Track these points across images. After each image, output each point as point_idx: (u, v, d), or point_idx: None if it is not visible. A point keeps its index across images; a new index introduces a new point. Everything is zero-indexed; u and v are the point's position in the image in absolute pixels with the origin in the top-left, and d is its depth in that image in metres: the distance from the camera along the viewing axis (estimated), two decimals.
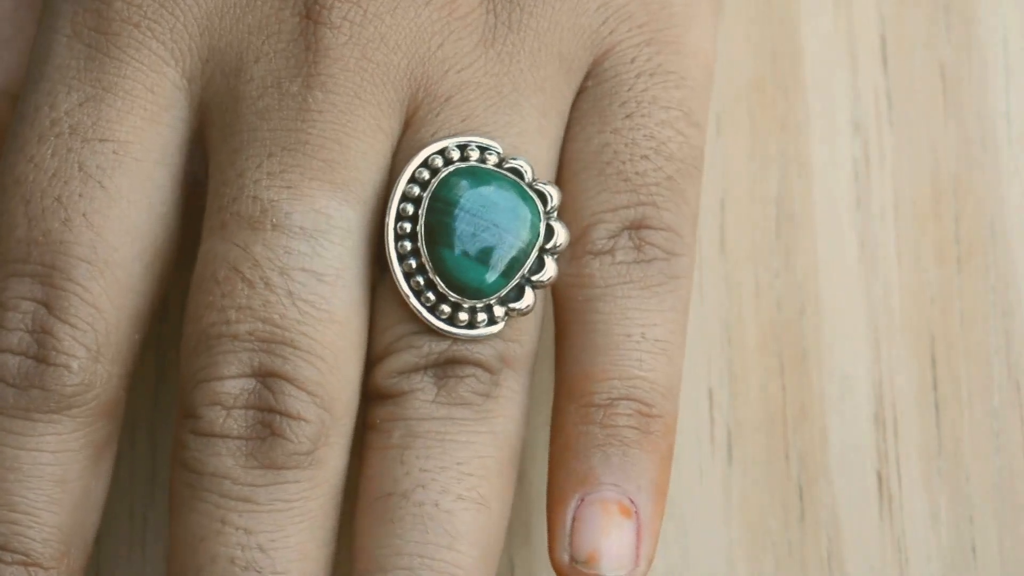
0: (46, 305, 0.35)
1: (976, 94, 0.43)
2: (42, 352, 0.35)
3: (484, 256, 0.36)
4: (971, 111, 0.43)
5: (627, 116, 0.37)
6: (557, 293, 0.37)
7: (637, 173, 0.37)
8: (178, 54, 0.36)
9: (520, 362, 0.37)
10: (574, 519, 0.36)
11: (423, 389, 0.36)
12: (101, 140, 0.35)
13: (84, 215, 0.35)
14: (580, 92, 0.38)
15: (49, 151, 0.35)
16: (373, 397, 0.36)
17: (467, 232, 0.35)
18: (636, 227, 0.37)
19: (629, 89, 0.38)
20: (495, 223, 0.36)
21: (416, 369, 0.36)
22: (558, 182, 0.38)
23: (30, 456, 0.35)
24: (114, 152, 0.36)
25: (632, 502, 0.36)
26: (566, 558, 0.36)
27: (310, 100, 0.35)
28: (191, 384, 0.35)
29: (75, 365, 0.35)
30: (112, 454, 0.37)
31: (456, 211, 0.35)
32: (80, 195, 0.35)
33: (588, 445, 0.36)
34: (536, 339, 0.37)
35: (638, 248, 0.37)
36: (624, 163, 0.37)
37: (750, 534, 0.40)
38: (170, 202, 0.36)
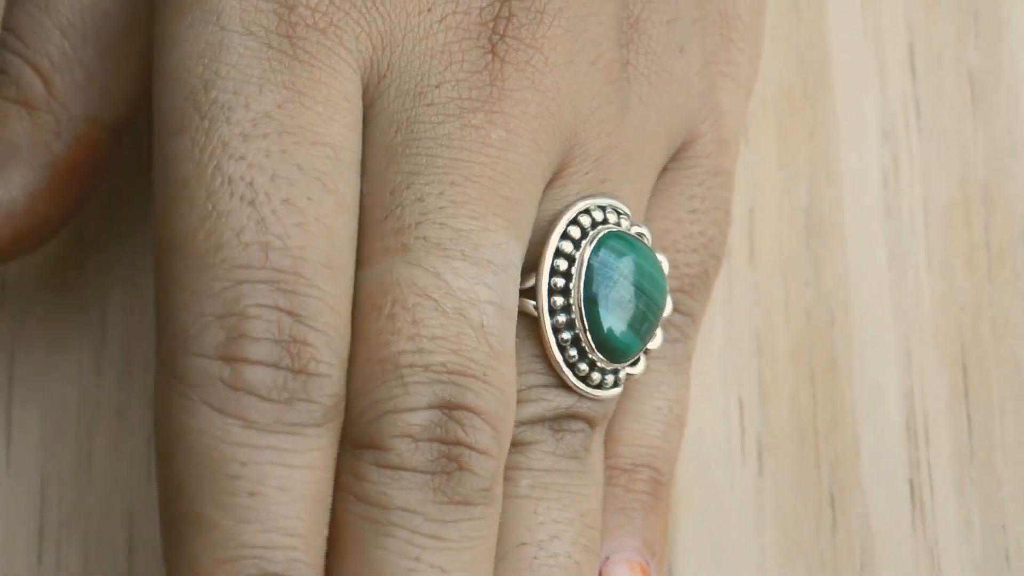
0: (292, 314, 0.33)
1: (1005, 101, 0.42)
2: (299, 363, 0.33)
3: (635, 323, 0.36)
4: (1000, 118, 0.42)
5: (692, 211, 0.39)
6: None
7: (685, 264, 0.39)
8: (362, 63, 0.35)
9: (608, 418, 0.38)
10: (600, 574, 0.38)
11: (545, 441, 0.36)
12: (313, 143, 0.34)
13: (316, 219, 0.33)
14: (662, 172, 0.39)
15: (261, 151, 0.33)
16: None
17: (624, 298, 0.36)
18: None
19: (699, 184, 0.39)
20: (647, 293, 0.36)
21: (539, 421, 0.36)
22: None
23: (300, 474, 0.33)
24: (328, 156, 0.34)
25: (647, 563, 0.38)
26: None
27: (493, 136, 0.35)
28: (373, 413, 0.34)
29: (335, 374, 0.33)
30: None
31: (616, 276, 0.36)
32: (309, 197, 0.33)
33: (613, 505, 0.38)
34: None
35: (663, 328, 0.39)
36: (678, 253, 0.39)
37: (782, 544, 0.40)
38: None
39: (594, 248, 0.36)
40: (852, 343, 0.41)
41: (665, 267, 0.37)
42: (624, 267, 0.36)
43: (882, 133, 0.42)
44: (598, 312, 0.36)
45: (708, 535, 0.40)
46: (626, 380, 0.37)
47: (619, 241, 0.36)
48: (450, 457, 0.33)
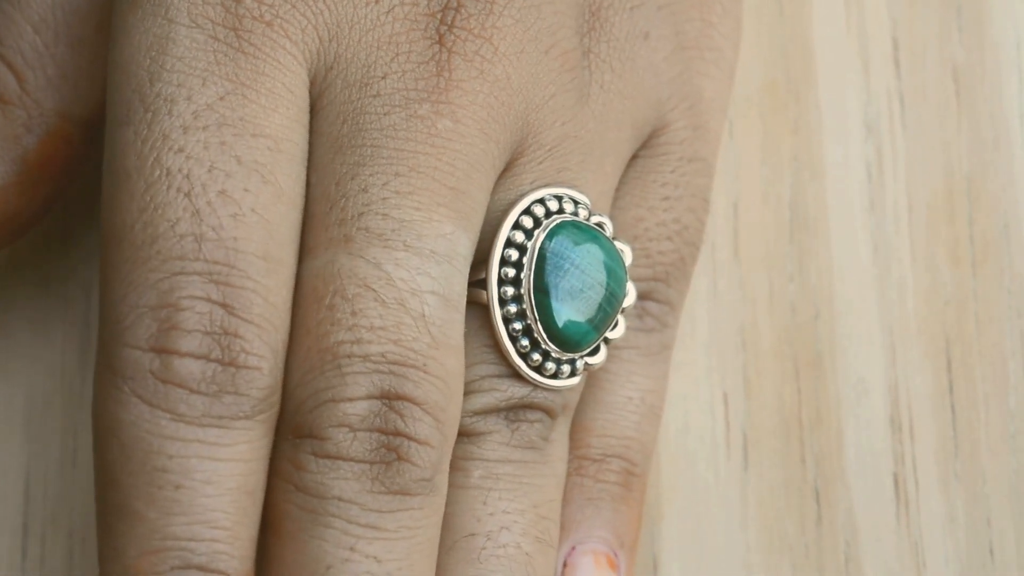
0: (224, 306, 0.33)
1: (989, 95, 0.42)
2: (229, 355, 0.33)
3: (588, 311, 0.36)
4: (984, 112, 0.42)
5: (664, 198, 0.39)
6: None
7: (659, 252, 0.39)
8: (308, 56, 0.35)
9: (571, 408, 0.37)
10: (564, 564, 0.37)
11: (499, 431, 0.36)
12: (253, 135, 0.34)
13: (253, 210, 0.33)
14: (633, 157, 0.39)
15: (200, 143, 0.33)
16: None
17: (576, 287, 0.36)
18: (642, 298, 0.39)
19: (672, 171, 0.39)
20: (600, 282, 0.36)
21: (493, 411, 0.36)
22: None
23: (227, 467, 0.33)
24: (268, 148, 0.34)
25: (616, 555, 0.38)
26: None
27: (439, 126, 0.35)
28: (312, 403, 0.34)
29: (266, 367, 0.33)
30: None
31: (567, 265, 0.36)
32: (246, 189, 0.34)
33: (580, 496, 0.38)
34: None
35: (640, 317, 0.39)
36: (651, 241, 0.39)
37: (767, 538, 0.40)
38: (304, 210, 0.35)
39: (547, 237, 0.36)
40: (836, 337, 0.41)
41: (627, 257, 0.37)
42: (577, 257, 0.36)
43: (866, 127, 0.42)
44: (549, 302, 0.36)
45: (693, 529, 0.40)
46: (587, 370, 0.37)
47: (573, 230, 0.36)
48: (389, 447, 0.33)
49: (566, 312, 0.36)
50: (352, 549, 0.33)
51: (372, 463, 0.33)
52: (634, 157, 0.39)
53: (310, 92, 0.35)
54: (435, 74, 0.35)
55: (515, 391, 0.36)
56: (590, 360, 0.37)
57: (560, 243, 0.36)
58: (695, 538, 0.40)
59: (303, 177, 0.35)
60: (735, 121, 0.42)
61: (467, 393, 0.36)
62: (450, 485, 0.36)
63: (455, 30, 0.35)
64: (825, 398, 0.41)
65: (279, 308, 0.34)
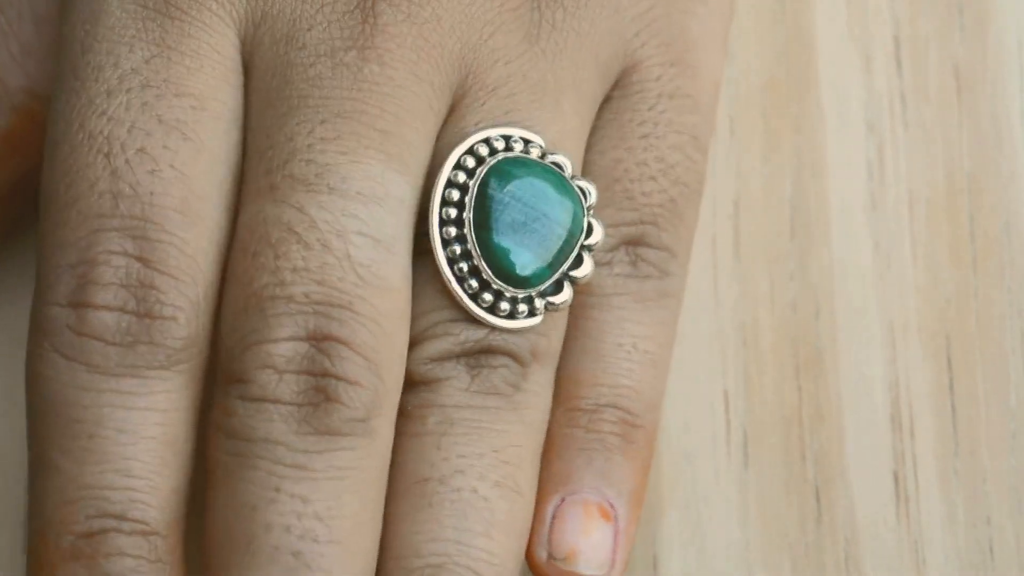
0: (141, 260, 0.34)
1: (991, 94, 0.43)
2: (144, 306, 0.34)
3: (533, 245, 0.35)
4: (986, 111, 0.42)
5: (643, 136, 0.38)
6: None
7: (643, 193, 0.38)
8: (236, 16, 0.35)
9: (548, 357, 0.36)
10: (554, 517, 0.36)
11: (457, 377, 0.35)
12: (176, 95, 0.34)
13: (171, 166, 0.34)
14: (606, 100, 0.38)
15: (122, 105, 0.34)
16: (405, 383, 0.36)
17: (518, 220, 0.35)
18: (634, 243, 0.38)
19: (650, 109, 0.38)
20: (544, 213, 0.36)
21: (450, 357, 0.35)
22: None
23: (141, 416, 0.33)
24: (192, 107, 0.35)
25: (612, 506, 0.36)
26: (544, 555, 0.36)
27: (366, 71, 0.35)
28: (240, 348, 0.34)
29: (182, 317, 0.34)
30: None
31: (508, 199, 0.35)
32: (165, 146, 0.34)
33: (572, 447, 0.37)
34: (563, 336, 0.37)
35: (633, 264, 0.37)
36: (633, 182, 0.38)
37: (766, 536, 0.40)
38: (239, 166, 0.36)
39: (487, 174, 0.35)
40: (837, 335, 0.41)
41: (592, 196, 0.36)
42: (519, 190, 0.35)
43: (867, 126, 0.42)
44: (491, 237, 0.35)
45: (693, 527, 0.40)
46: (549, 310, 0.36)
47: (516, 166, 0.35)
48: (317, 388, 0.33)
49: (511, 246, 0.35)
50: (277, 489, 0.33)
51: (300, 405, 0.33)
52: (608, 99, 0.38)
53: (242, 52, 0.35)
54: (360, 21, 0.35)
55: (469, 334, 0.35)
56: (552, 299, 0.36)
57: (501, 178, 0.35)
58: (695, 536, 0.40)
59: (233, 134, 0.35)
60: (736, 119, 0.42)
61: (422, 340, 0.35)
62: (405, 433, 0.35)
63: None
64: (826, 396, 0.41)
65: (199, 261, 0.34)
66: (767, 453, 0.40)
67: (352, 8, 0.35)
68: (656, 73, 0.38)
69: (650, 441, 0.37)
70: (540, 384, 0.36)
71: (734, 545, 0.40)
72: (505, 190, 0.35)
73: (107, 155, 0.34)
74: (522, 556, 0.36)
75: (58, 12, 0.38)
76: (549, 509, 0.36)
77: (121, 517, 0.33)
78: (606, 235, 0.37)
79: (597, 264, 0.37)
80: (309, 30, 0.35)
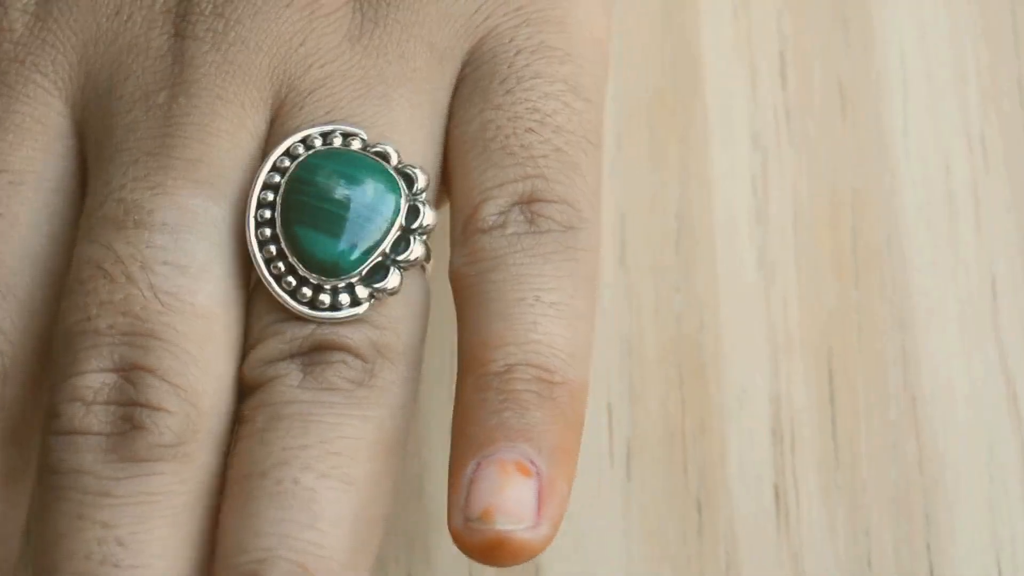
0: None
1: (875, 109, 0.43)
2: None
3: (337, 231, 0.35)
4: (870, 126, 0.43)
5: (508, 92, 0.37)
6: (453, 278, 0.37)
7: (522, 146, 0.36)
8: (60, 84, 0.37)
9: (397, 353, 0.35)
10: (470, 482, 0.34)
11: (288, 375, 0.35)
12: None
13: None
14: (461, 80, 0.37)
15: None
16: (244, 391, 0.35)
17: (320, 208, 0.35)
18: (528, 201, 0.36)
19: (509, 66, 0.37)
20: (349, 198, 0.35)
21: (282, 357, 0.35)
22: (448, 169, 0.37)
23: None
24: (9, 182, 0.36)
25: (532, 463, 0.34)
26: (460, 521, 0.34)
27: (174, 107, 0.36)
28: (52, 384, 0.35)
29: None
30: (27, 485, 0.36)
31: (309, 189, 0.35)
32: None
33: (485, 411, 0.35)
34: (417, 334, 0.36)
35: (530, 221, 0.36)
36: (508, 137, 0.36)
37: (649, 548, 0.40)
38: (73, 231, 0.37)
39: (294, 170, 0.35)
40: (721, 348, 0.41)
41: (420, 179, 0.36)
42: (320, 178, 0.35)
43: (752, 139, 0.43)
44: (294, 229, 0.35)
45: (576, 539, 0.40)
46: (376, 297, 0.35)
47: (323, 158, 0.35)
48: (125, 418, 0.34)
49: (312, 234, 0.35)
50: (80, 517, 0.33)
51: (108, 435, 0.34)
52: (463, 77, 0.37)
53: (72, 116, 0.37)
54: (171, 63, 0.36)
55: (296, 332, 0.35)
56: (379, 285, 0.35)
57: (306, 171, 0.35)
58: (577, 547, 0.40)
59: (55, 201, 0.36)
60: (623, 129, 0.42)
61: (255, 344, 0.35)
62: (237, 437, 0.35)
63: (189, 18, 0.37)
64: (708, 408, 0.41)
65: (4, 331, 0.35)
66: (650, 465, 0.41)
67: (165, 52, 0.37)
68: (508, 36, 0.37)
69: (575, 396, 0.35)
70: (390, 382, 0.35)
71: (616, 556, 0.40)
72: (308, 181, 0.35)
73: None
74: (364, 550, 0.35)
75: None
76: (466, 477, 0.34)
77: None
78: (496, 204, 0.36)
79: (488, 230, 0.36)
80: (125, 80, 0.37)
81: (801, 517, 0.40)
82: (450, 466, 0.35)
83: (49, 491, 0.34)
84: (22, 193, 0.36)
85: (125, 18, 0.37)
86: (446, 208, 0.38)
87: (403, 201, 0.36)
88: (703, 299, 0.42)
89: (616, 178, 0.42)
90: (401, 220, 0.36)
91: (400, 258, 0.36)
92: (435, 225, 0.36)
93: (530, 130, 0.36)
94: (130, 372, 0.34)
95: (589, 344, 0.36)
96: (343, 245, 0.35)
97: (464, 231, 0.36)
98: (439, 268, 0.37)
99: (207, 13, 0.37)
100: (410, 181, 0.36)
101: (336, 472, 0.34)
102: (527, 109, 0.37)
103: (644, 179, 0.42)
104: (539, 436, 0.34)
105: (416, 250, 0.36)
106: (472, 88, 0.37)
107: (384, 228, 0.36)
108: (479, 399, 0.35)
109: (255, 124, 0.36)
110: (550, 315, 0.35)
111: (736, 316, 0.41)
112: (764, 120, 0.43)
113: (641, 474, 0.40)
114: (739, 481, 0.40)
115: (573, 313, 0.36)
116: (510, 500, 0.34)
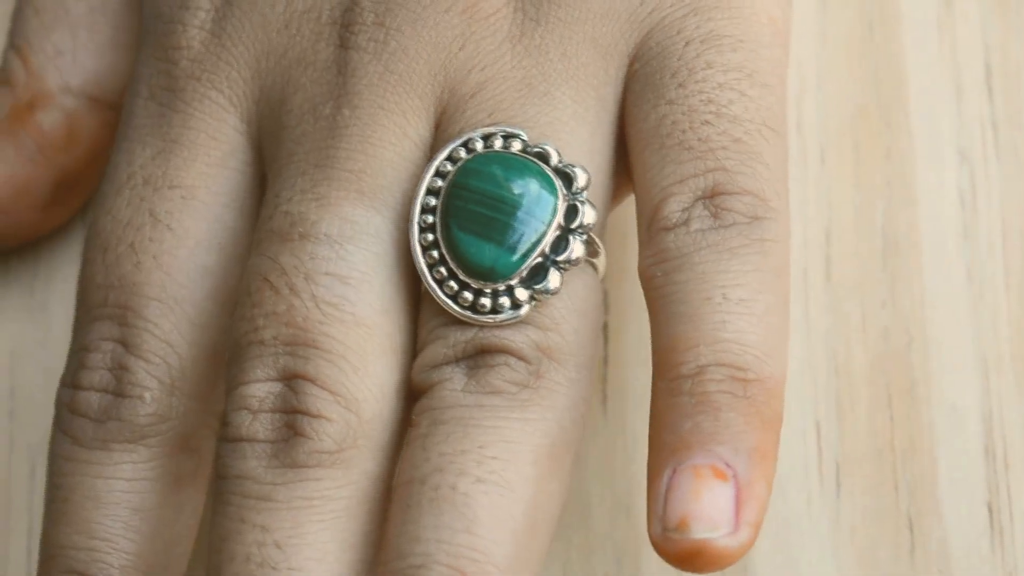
0: (123, 343, 0.37)
1: None
2: (119, 387, 0.37)
3: (493, 234, 0.35)
4: None
5: (680, 85, 0.36)
6: (642, 279, 0.36)
7: (700, 140, 0.36)
8: (236, 100, 0.38)
9: (564, 354, 0.35)
10: (667, 491, 0.34)
11: (452, 379, 0.35)
12: (170, 187, 0.37)
13: (154, 257, 0.37)
14: (631, 76, 0.37)
15: (124, 202, 0.38)
16: (414, 396, 0.36)
17: (477, 213, 0.35)
18: (711, 195, 0.35)
19: (679, 59, 0.36)
20: (503, 200, 0.35)
21: (446, 362, 0.35)
22: (630, 169, 0.37)
23: (106, 484, 0.36)
24: (182, 197, 0.37)
25: (728, 466, 0.34)
26: (659, 530, 0.34)
27: (338, 119, 0.37)
28: (226, 393, 0.36)
29: (148, 396, 0.36)
30: (198, 490, 0.38)
31: (466, 193, 0.36)
32: (151, 239, 0.37)
33: (679, 416, 0.34)
34: (586, 334, 0.36)
35: (715, 216, 0.35)
36: (684, 132, 0.36)
37: (859, 566, 0.40)
38: (245, 244, 0.38)
39: (455, 175, 0.36)
40: (930, 364, 0.41)
41: (580, 178, 0.35)
42: (479, 183, 0.35)
43: (959, 153, 0.42)
44: (453, 234, 0.36)
45: (785, 557, 0.40)
46: (536, 300, 0.35)
47: (481, 162, 0.36)
48: (288, 425, 0.35)
49: (470, 239, 0.35)
50: (242, 520, 0.34)
51: (272, 441, 0.35)
52: (633, 74, 0.37)
53: (248, 131, 0.38)
54: (336, 74, 0.37)
55: (458, 336, 0.35)
56: (539, 286, 0.35)
57: (461, 174, 0.36)
58: (787, 565, 0.40)
59: (227, 216, 0.38)
60: (827, 147, 0.42)
61: (421, 349, 0.36)
62: (405, 443, 0.35)
63: (352, 28, 0.37)
64: (918, 426, 0.41)
65: (175, 343, 0.37)
66: (860, 483, 0.40)
67: (329, 64, 0.37)
68: (676, 28, 0.37)
69: (771, 393, 0.34)
70: (557, 383, 0.35)
71: (826, 575, 0.40)
72: (465, 185, 0.36)
73: (104, 251, 0.37)
74: (526, 555, 0.34)
75: (89, 12, 0.42)
76: (662, 485, 0.34)
77: (83, 574, 0.36)
78: (677, 201, 0.35)
79: (671, 228, 0.35)
80: (295, 93, 0.37)
81: (1016, 536, 0.40)
82: (648, 475, 0.35)
83: (218, 496, 0.35)
84: (193, 208, 0.37)
85: (294, 31, 0.38)
86: (631, 206, 0.38)
87: (560, 201, 0.36)
88: (910, 316, 0.41)
89: (821, 194, 0.42)
90: (560, 220, 0.36)
91: (560, 258, 0.35)
92: (596, 223, 0.36)
93: (706, 123, 0.36)
94: (292, 381, 0.35)
95: (783, 338, 0.35)
96: (500, 249, 0.35)
97: (648, 230, 0.36)
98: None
99: (369, 23, 0.37)
100: (569, 180, 0.36)
101: (493, 476, 0.34)
102: (701, 101, 0.36)
103: (849, 195, 0.42)
104: (735, 437, 0.34)
105: (576, 249, 0.36)
106: (644, 84, 0.37)
107: (541, 230, 0.36)
108: (672, 404, 0.34)
109: (418, 131, 0.37)
110: (738, 312, 0.35)
111: (945, 332, 0.41)
112: (970, 133, 0.42)
113: (851, 492, 0.40)
114: (951, 500, 0.40)
115: (762, 308, 0.35)
116: (706, 507, 0.33)
